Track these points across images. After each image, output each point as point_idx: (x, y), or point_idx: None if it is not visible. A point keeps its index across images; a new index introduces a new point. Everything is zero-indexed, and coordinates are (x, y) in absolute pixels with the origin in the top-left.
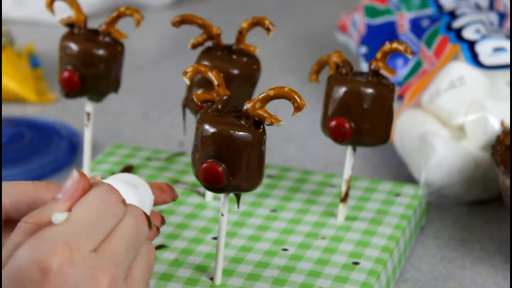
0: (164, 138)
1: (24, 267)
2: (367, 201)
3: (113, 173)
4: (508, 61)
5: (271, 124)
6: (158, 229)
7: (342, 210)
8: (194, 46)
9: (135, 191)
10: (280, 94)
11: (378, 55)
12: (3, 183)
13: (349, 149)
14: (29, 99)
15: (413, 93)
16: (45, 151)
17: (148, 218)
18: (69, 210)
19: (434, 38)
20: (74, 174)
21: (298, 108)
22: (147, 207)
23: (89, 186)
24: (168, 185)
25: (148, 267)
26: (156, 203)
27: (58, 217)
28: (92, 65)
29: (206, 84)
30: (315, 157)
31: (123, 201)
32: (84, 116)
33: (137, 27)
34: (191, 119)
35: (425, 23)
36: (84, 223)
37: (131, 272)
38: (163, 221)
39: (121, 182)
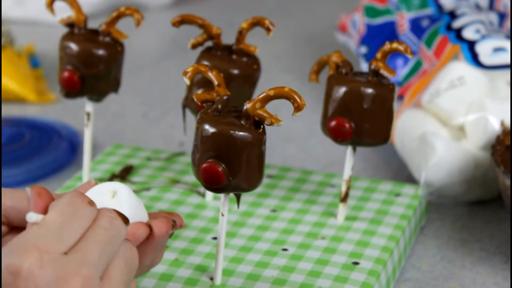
0: (164, 138)
1: (4, 274)
2: (367, 201)
3: (113, 173)
4: (508, 61)
5: (271, 124)
6: (172, 227)
7: (342, 210)
8: (194, 46)
9: (113, 198)
10: (280, 94)
11: (378, 55)
12: (3, 189)
13: (349, 149)
14: (29, 99)
15: (413, 93)
16: (45, 151)
17: (123, 216)
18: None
19: (434, 38)
20: (27, 190)
21: (298, 108)
22: (127, 211)
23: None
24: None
25: (127, 267)
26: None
27: (32, 216)
28: (92, 65)
29: (206, 84)
30: (315, 157)
31: (90, 202)
32: (84, 116)
33: (137, 27)
34: (191, 119)
35: (425, 23)
36: (52, 225)
37: (108, 272)
38: (175, 225)
39: (95, 193)
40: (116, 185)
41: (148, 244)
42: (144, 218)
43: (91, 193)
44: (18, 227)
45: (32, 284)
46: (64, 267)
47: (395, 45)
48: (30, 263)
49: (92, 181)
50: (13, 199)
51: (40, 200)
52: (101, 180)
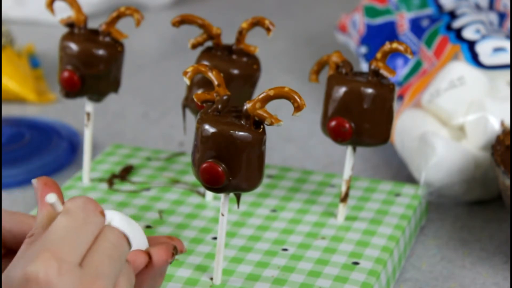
0: (164, 138)
1: (15, 281)
2: (367, 201)
3: (113, 173)
4: (508, 61)
5: (271, 124)
6: (172, 255)
7: (342, 210)
8: (194, 46)
9: (128, 224)
10: (280, 94)
11: (378, 55)
12: (2, 211)
13: (349, 149)
14: (29, 99)
15: (413, 93)
16: (45, 151)
17: (126, 237)
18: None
19: (434, 38)
20: (33, 182)
21: (298, 108)
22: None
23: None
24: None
25: (130, 284)
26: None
27: (52, 197)
28: (92, 65)
29: (206, 84)
30: (315, 157)
31: (102, 212)
32: (84, 116)
33: (137, 27)
34: (191, 119)
35: (425, 23)
36: (67, 231)
37: (117, 286)
38: (176, 252)
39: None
40: (110, 213)
41: (147, 272)
42: (142, 243)
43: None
44: (12, 251)
45: None
46: (80, 278)
47: (395, 45)
48: (48, 271)
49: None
50: (10, 223)
51: (48, 188)
52: (101, 180)
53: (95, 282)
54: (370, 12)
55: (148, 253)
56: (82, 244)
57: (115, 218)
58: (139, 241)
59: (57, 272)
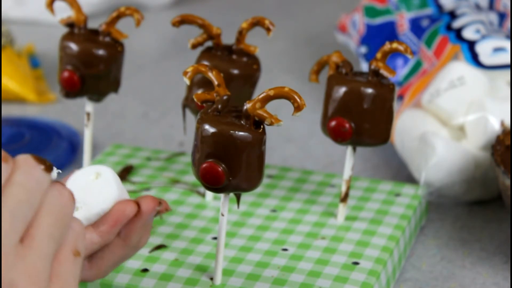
0: (164, 138)
1: None
2: (367, 201)
3: None
4: (508, 61)
5: (271, 124)
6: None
7: (342, 210)
8: (194, 46)
9: (97, 179)
10: (280, 94)
11: (378, 55)
12: None
13: (349, 149)
14: (29, 99)
15: (413, 93)
16: (45, 151)
17: (42, 160)
18: None
19: (434, 38)
20: None
21: (298, 108)
22: (116, 190)
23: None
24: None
25: (55, 217)
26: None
27: None
28: (92, 65)
29: (206, 84)
30: (315, 157)
31: (46, 167)
32: (84, 116)
33: (137, 27)
34: (191, 119)
35: (425, 23)
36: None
37: (30, 230)
38: (161, 203)
39: (80, 174)
40: (100, 167)
41: (136, 221)
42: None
43: (76, 175)
44: None
45: None
46: (17, 259)
47: (395, 45)
48: None
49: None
50: None
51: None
52: None
53: (34, 265)
54: (370, 12)
55: (136, 202)
56: (19, 219)
57: (105, 170)
58: (126, 196)
59: None
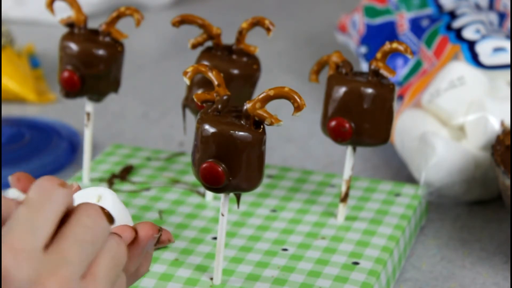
0: (164, 138)
1: None
2: (367, 201)
3: (113, 173)
4: (508, 61)
5: (271, 124)
6: (158, 231)
7: (342, 210)
8: (194, 46)
9: (98, 202)
10: (280, 94)
11: (378, 55)
12: None
13: (349, 149)
14: (29, 99)
15: (413, 93)
16: (45, 151)
17: (107, 214)
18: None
19: (434, 38)
20: (9, 178)
21: (298, 108)
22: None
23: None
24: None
25: (113, 263)
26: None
27: (15, 193)
28: (92, 65)
29: (206, 84)
30: (315, 157)
31: (62, 184)
32: (84, 116)
33: (137, 27)
34: (191, 119)
35: (425, 23)
36: (21, 216)
37: (92, 269)
38: (161, 230)
39: (80, 197)
40: (102, 189)
41: (133, 248)
42: (129, 224)
43: (79, 194)
44: None
45: (10, 285)
46: (40, 267)
47: (395, 45)
48: (5, 262)
49: (74, 185)
50: None
51: (19, 184)
52: (101, 180)
53: (57, 271)
54: (370, 12)
55: (134, 229)
56: (42, 227)
57: (106, 194)
58: (127, 221)
59: (13, 262)
